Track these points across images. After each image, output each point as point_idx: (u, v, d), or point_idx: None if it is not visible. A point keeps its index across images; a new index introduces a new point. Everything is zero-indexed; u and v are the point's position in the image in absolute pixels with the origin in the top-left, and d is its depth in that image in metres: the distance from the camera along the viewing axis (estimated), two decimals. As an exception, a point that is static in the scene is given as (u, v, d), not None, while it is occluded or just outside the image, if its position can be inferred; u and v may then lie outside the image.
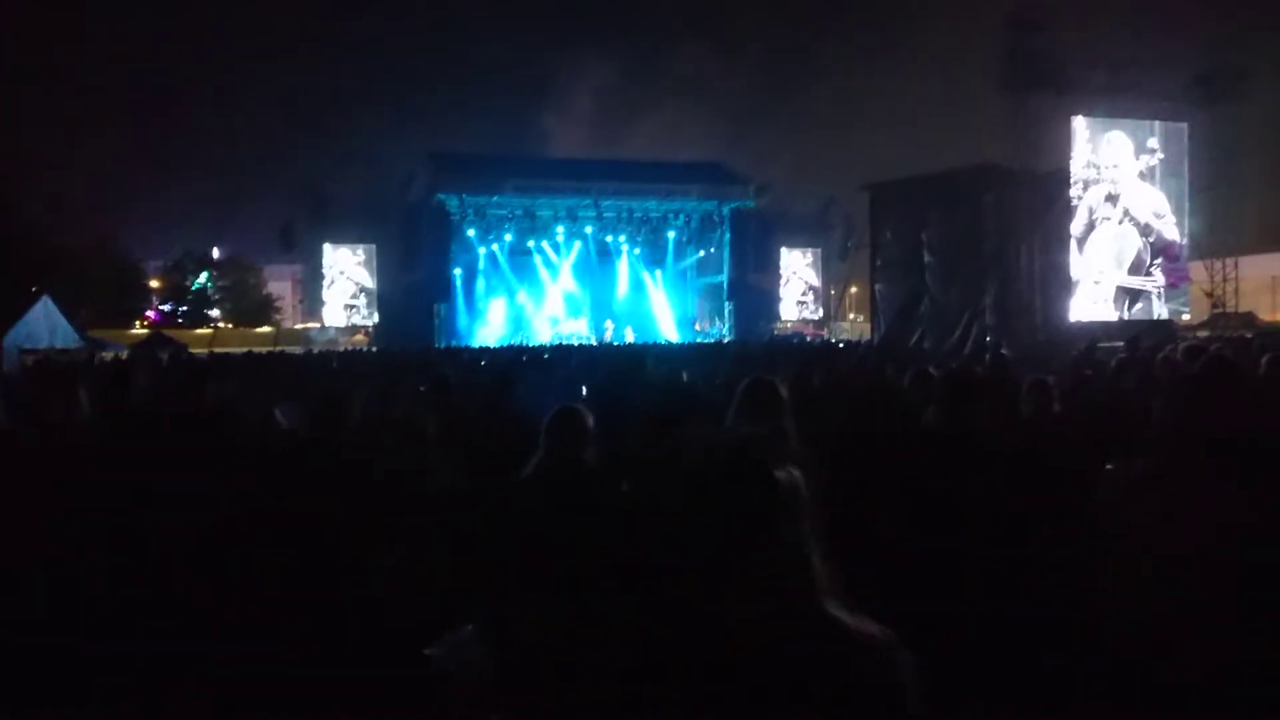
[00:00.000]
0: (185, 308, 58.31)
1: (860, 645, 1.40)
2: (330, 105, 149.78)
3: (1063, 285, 24.17)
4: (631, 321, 34.65)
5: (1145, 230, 25.41)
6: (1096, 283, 25.04)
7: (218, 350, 27.59)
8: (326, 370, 14.93)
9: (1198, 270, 27.09)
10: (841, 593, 1.46)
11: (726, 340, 30.74)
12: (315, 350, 25.79)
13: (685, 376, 6.73)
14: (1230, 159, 27.00)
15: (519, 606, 2.66)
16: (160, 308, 58.13)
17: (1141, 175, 25.41)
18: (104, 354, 23.22)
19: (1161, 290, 25.79)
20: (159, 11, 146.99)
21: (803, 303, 46.59)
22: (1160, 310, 25.63)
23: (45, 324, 25.88)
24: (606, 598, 1.72)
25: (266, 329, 49.24)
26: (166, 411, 6.00)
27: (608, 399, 4.90)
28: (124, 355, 23.67)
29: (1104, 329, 22.79)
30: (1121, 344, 13.49)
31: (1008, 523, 2.81)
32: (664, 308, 35.99)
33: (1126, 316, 24.91)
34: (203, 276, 59.22)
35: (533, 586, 2.76)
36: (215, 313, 59.26)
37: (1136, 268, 25.39)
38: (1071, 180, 24.34)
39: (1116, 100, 25.60)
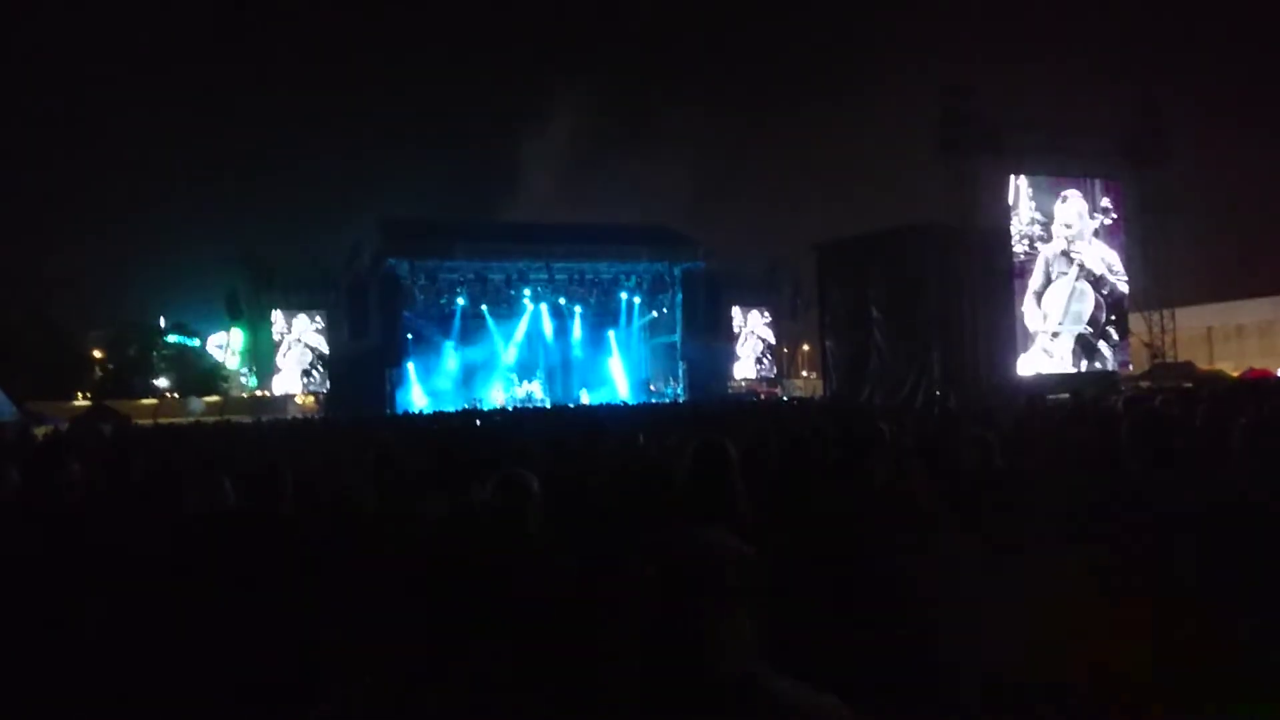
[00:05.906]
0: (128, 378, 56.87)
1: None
2: (277, 171, 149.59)
3: (1008, 339, 24.60)
4: (586, 383, 34.61)
5: (1099, 284, 25.96)
6: (1055, 335, 25.40)
7: (162, 421, 26.98)
8: (273, 439, 14.65)
9: (1136, 322, 27.79)
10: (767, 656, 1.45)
11: (681, 400, 30.78)
12: (265, 419, 25.34)
13: (641, 439, 6.69)
14: (1162, 214, 27.90)
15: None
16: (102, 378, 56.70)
17: (1095, 233, 26.03)
18: (39, 428, 22.56)
19: (1116, 343, 26.34)
20: (100, 80, 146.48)
21: (756, 361, 46.92)
22: (1110, 362, 26.11)
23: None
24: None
25: (214, 398, 48.22)
26: (103, 485, 5.82)
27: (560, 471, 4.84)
28: (63, 427, 23.03)
29: (1048, 382, 23.22)
30: (1067, 395, 13.76)
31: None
32: (618, 369, 35.99)
33: (1084, 368, 25.29)
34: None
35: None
36: (161, 382, 57.94)
37: (1093, 321, 25.88)
38: (1014, 237, 24.89)
39: (1051, 160, 26.34)
